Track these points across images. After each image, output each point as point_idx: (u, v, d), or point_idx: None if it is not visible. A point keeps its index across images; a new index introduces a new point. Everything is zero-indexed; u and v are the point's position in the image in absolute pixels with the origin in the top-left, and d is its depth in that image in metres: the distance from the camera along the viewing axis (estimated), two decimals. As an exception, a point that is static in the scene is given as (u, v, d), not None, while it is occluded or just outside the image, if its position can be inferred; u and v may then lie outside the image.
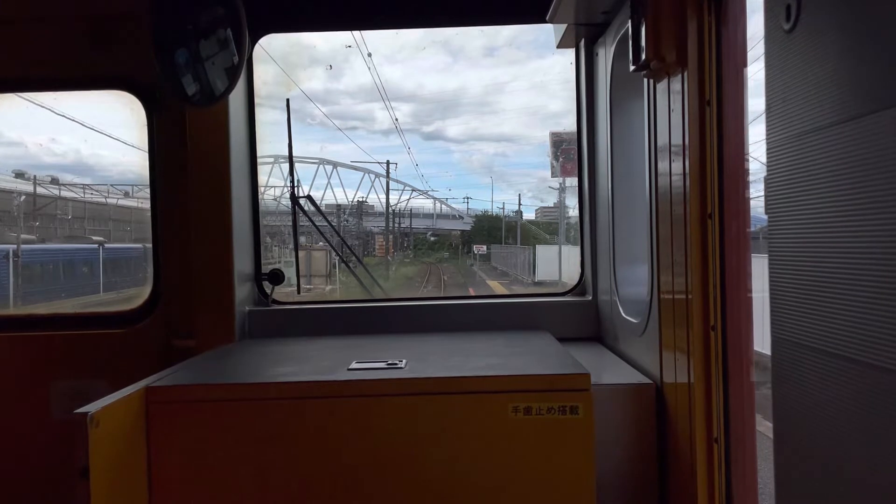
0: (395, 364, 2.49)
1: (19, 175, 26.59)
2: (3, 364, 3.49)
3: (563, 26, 3.49)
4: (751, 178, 2.22)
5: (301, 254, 4.09)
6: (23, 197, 26.14)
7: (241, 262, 3.52)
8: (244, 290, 3.57)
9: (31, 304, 22.59)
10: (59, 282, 24.10)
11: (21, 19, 3.52)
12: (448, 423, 2.24)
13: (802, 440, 1.46)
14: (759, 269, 1.85)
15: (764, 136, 1.59)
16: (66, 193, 30.19)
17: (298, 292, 4.11)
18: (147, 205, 3.63)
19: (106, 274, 25.13)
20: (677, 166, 2.35)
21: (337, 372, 2.40)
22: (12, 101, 4.03)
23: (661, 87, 2.49)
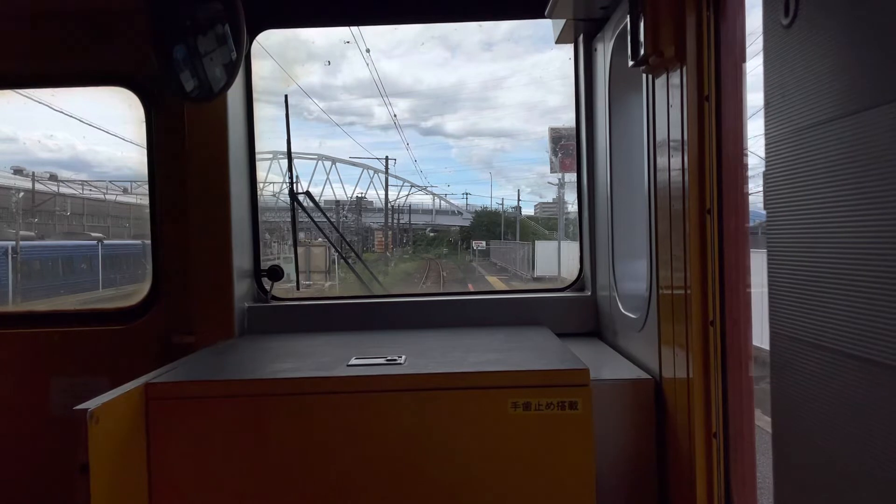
0: (395, 360, 2.49)
1: (17, 171, 26.55)
2: (3, 360, 3.49)
3: (562, 21, 3.48)
4: (750, 173, 2.22)
5: (300, 250, 4.09)
6: (21, 193, 26.12)
7: (240, 259, 3.51)
8: (243, 286, 3.57)
9: (31, 300, 22.59)
10: (58, 278, 24.09)
11: (19, 15, 3.51)
12: (447, 419, 2.25)
13: (800, 435, 1.46)
14: (759, 265, 1.85)
15: (763, 132, 1.59)
16: (64, 190, 30.16)
17: (298, 288, 4.11)
18: (146, 201, 3.63)
19: (105, 270, 25.11)
20: (676, 162, 2.35)
21: (336, 368, 2.41)
22: (9, 97, 4.03)
23: (660, 82, 2.49)
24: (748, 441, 2.19)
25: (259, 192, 3.76)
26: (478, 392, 2.25)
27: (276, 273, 3.73)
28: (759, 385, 2.14)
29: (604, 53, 3.29)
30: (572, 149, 3.85)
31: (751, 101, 2.15)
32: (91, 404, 1.92)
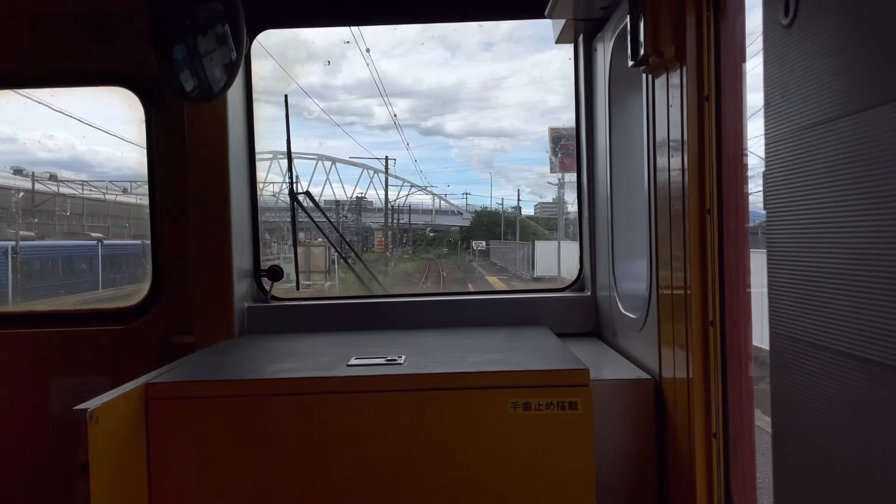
0: (395, 360, 2.49)
1: (17, 171, 26.55)
2: (3, 360, 3.49)
3: (562, 21, 3.48)
4: (749, 173, 2.23)
5: (300, 250, 4.09)
6: (21, 193, 26.13)
7: (240, 259, 3.51)
8: (243, 286, 3.57)
9: (31, 300, 22.59)
10: (58, 278, 24.09)
11: (19, 15, 3.51)
12: (447, 419, 2.25)
13: (800, 435, 1.46)
14: (759, 265, 1.85)
15: (762, 132, 1.59)
16: (64, 190, 30.15)
17: (297, 289, 4.11)
18: (146, 201, 3.63)
19: (105, 270, 25.11)
20: (676, 162, 2.35)
21: (336, 368, 2.41)
22: (9, 97, 4.03)
23: (660, 82, 2.49)
24: (748, 441, 2.19)
25: (259, 192, 3.76)
26: (478, 392, 2.25)
27: (275, 273, 3.73)
28: (759, 385, 2.14)
29: (604, 53, 3.29)
30: (572, 149, 3.85)
31: (751, 101, 2.15)
32: (91, 404, 1.93)
